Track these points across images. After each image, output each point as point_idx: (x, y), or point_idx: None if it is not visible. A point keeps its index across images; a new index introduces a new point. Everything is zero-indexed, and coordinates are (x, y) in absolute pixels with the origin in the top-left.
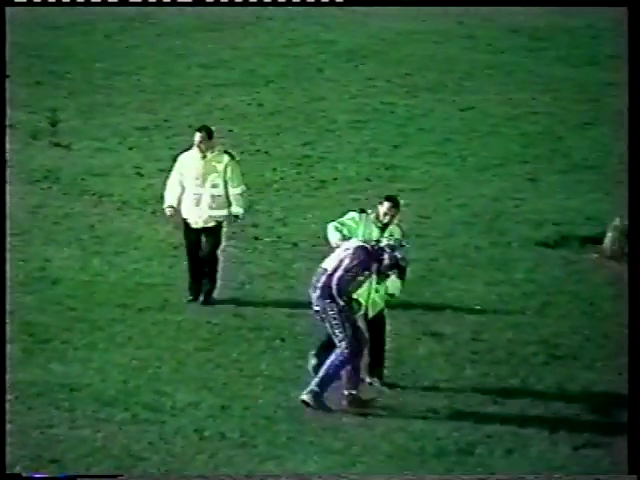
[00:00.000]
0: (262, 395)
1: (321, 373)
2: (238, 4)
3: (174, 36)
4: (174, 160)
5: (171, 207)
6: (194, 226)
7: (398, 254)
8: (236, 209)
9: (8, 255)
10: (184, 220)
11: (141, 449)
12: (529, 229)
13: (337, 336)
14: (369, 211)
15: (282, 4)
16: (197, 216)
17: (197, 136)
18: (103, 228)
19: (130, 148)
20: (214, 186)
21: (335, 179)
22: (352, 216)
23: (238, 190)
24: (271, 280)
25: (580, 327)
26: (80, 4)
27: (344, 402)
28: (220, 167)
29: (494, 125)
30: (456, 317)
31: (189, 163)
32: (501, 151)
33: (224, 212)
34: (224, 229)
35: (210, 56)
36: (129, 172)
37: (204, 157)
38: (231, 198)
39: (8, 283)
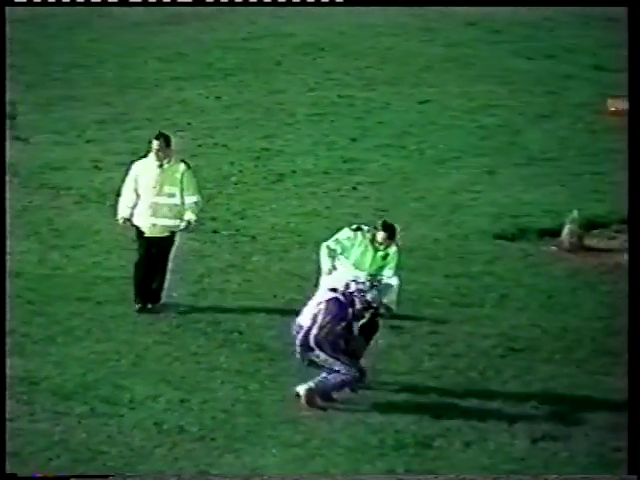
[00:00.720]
0: (220, 388)
1: (326, 376)
2: (238, 4)
3: (133, 29)
4: (133, 156)
5: (124, 219)
6: (148, 235)
7: (369, 297)
8: (189, 215)
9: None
10: (137, 228)
11: (100, 442)
12: (487, 222)
13: (340, 369)
14: (365, 228)
15: (282, 4)
16: (152, 225)
17: (155, 144)
18: (61, 221)
19: (88, 141)
20: (171, 196)
21: (293, 172)
22: (347, 235)
23: (194, 199)
24: (229, 273)
25: (538, 320)
26: (80, 4)
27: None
28: (177, 176)
29: (452, 118)
30: (415, 310)
31: (145, 171)
32: (459, 144)
33: (179, 222)
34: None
35: (169, 49)
36: (87, 165)
37: (161, 166)
38: (186, 206)
39: None
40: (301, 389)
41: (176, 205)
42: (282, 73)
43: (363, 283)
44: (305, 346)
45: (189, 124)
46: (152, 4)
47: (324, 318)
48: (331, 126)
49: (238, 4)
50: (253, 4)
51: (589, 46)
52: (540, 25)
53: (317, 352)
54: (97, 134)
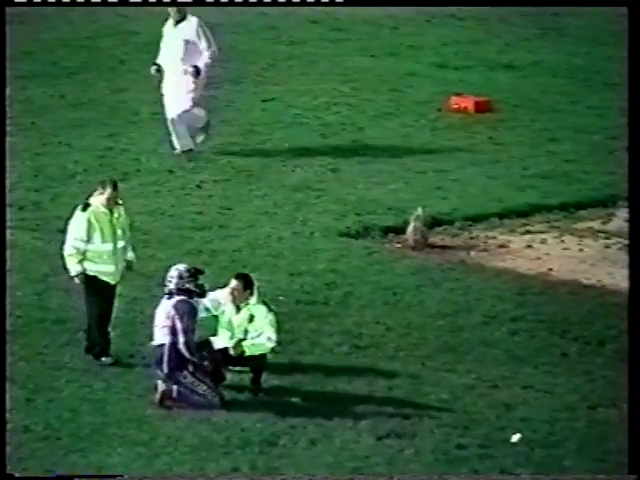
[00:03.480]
0: (66, 387)
1: (190, 393)
2: (237, 4)
3: None
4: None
5: (82, 274)
6: (113, 282)
7: (185, 273)
8: (131, 254)
9: None
10: (95, 278)
11: None
12: (331, 219)
13: (204, 393)
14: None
15: (282, 4)
16: (117, 272)
17: (108, 192)
18: None
19: None
20: (122, 239)
21: (138, 171)
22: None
23: (129, 235)
24: None
25: (383, 317)
26: (80, 4)
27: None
28: (123, 219)
29: (296, 116)
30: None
31: (100, 218)
32: (303, 142)
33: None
34: None
35: (12, 48)
36: None
37: (112, 211)
38: (127, 245)
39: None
40: (162, 386)
41: (125, 246)
42: (126, 72)
43: (173, 276)
44: (175, 363)
45: (33, 123)
46: (152, 4)
47: (182, 320)
48: None
49: (238, 4)
50: (253, 4)
51: (431, 44)
52: (383, 23)
53: (185, 372)
54: None
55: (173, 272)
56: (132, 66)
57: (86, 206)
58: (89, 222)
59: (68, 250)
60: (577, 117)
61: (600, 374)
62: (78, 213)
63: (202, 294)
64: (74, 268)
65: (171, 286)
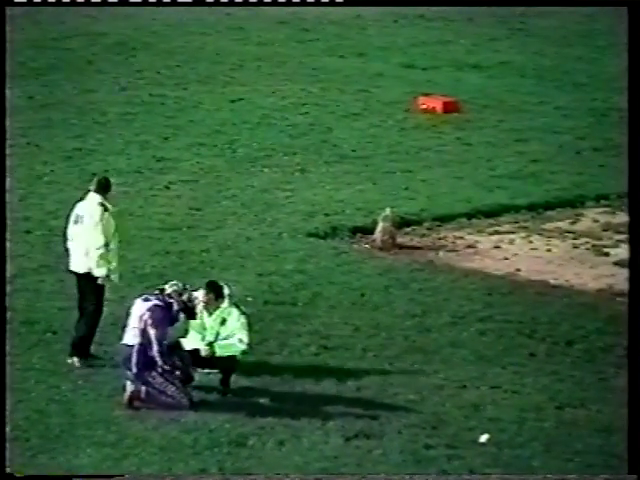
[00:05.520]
0: (34, 388)
1: (158, 394)
2: (237, 4)
3: None
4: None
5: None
6: (116, 281)
7: (185, 297)
8: None
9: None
10: (103, 280)
11: None
12: (299, 220)
13: (172, 394)
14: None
15: (281, 4)
16: (115, 268)
17: (108, 188)
18: None
19: None
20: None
21: (106, 171)
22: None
23: None
24: (42, 273)
25: (351, 318)
26: (80, 4)
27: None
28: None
29: (263, 116)
30: None
31: (110, 220)
32: (270, 142)
33: None
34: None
35: None
36: None
37: (106, 209)
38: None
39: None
40: (130, 386)
41: None
42: (94, 72)
43: (176, 284)
44: (141, 365)
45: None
46: (152, 4)
47: (155, 329)
48: (143, 125)
49: (238, 4)
50: (253, 4)
51: (399, 44)
52: (351, 24)
53: (153, 373)
54: None
55: (179, 283)
56: (100, 67)
57: (106, 209)
58: (107, 223)
59: (98, 253)
60: (545, 117)
61: (568, 374)
62: (104, 214)
63: (172, 322)
64: (100, 272)
65: (166, 286)
